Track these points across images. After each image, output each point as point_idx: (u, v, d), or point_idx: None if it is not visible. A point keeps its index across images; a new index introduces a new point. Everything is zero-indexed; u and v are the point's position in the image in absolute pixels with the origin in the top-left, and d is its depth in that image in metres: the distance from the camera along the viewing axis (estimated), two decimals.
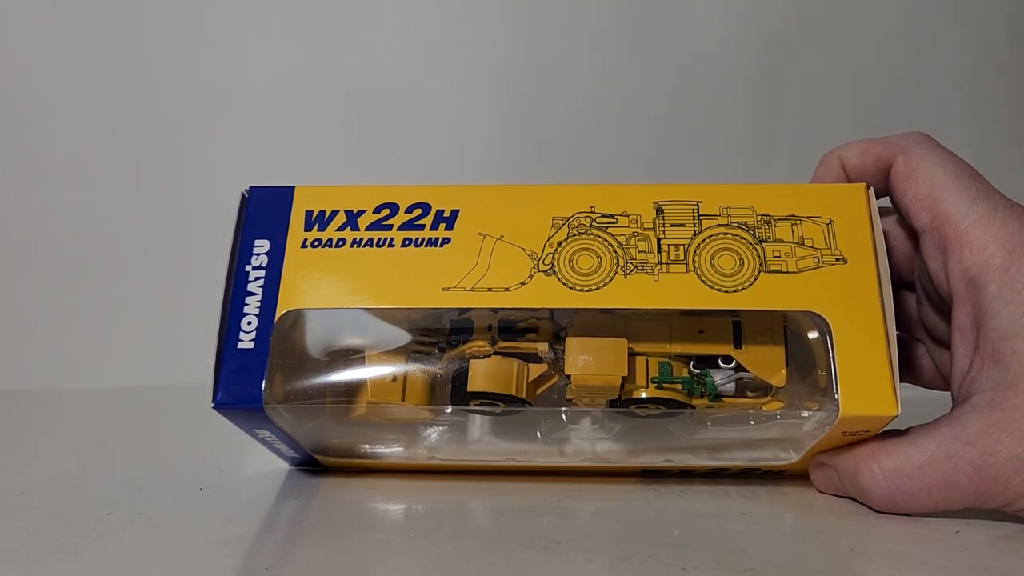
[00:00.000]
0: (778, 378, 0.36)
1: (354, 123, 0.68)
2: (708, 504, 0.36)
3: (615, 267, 0.33)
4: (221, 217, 0.67)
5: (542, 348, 0.36)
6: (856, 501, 0.35)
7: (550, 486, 0.38)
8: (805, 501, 0.36)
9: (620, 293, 0.33)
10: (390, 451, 0.39)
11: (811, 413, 0.35)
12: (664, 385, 0.35)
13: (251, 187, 0.37)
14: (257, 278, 0.35)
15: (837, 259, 0.33)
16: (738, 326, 0.36)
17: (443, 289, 0.33)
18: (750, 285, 0.33)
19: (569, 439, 0.38)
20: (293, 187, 0.36)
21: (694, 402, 0.36)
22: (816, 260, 0.33)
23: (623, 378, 0.35)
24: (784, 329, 0.36)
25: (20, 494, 0.38)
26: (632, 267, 0.33)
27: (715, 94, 0.69)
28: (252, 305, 0.34)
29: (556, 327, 0.36)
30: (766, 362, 0.36)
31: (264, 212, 0.36)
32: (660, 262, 0.33)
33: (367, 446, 0.39)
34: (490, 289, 0.33)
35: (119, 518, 0.34)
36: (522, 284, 0.33)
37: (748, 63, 0.69)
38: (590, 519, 0.34)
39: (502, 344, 0.36)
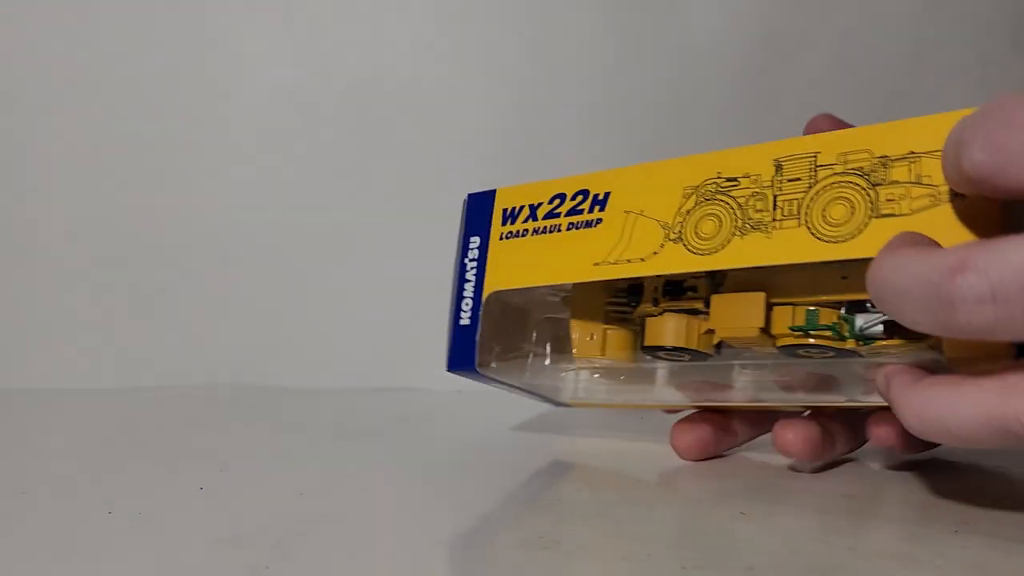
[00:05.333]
0: None
1: (355, 123, 0.68)
2: (708, 503, 0.36)
3: (733, 229, 0.34)
4: (222, 217, 0.67)
5: (700, 305, 0.39)
6: (854, 499, 0.35)
7: (548, 487, 0.38)
8: (805, 501, 0.36)
9: (736, 254, 0.34)
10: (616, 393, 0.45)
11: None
12: (810, 332, 0.36)
13: (469, 194, 0.43)
14: (472, 268, 0.41)
15: (956, 195, 0.31)
16: None
17: (594, 264, 0.37)
18: (859, 233, 0.32)
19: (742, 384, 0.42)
20: (495, 191, 0.42)
21: (848, 344, 0.36)
22: (933, 198, 0.31)
23: (761, 329, 0.36)
24: None
25: (20, 494, 0.38)
26: (748, 227, 0.34)
27: (715, 91, 0.69)
28: (468, 290, 0.41)
29: (713, 284, 0.39)
30: None
31: (476, 214, 0.42)
32: (774, 219, 0.33)
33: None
34: (629, 260, 0.36)
35: (119, 518, 0.34)
36: (655, 253, 0.36)
37: (748, 62, 0.69)
38: (589, 519, 0.34)
39: (664, 304, 0.39)
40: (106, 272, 0.67)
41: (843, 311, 0.36)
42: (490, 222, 0.41)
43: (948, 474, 0.41)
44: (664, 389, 0.43)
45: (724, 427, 0.42)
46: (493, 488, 0.39)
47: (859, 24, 0.69)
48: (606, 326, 0.42)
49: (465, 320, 0.41)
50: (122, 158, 0.67)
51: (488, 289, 0.41)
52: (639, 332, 0.41)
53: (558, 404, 0.47)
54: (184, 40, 0.67)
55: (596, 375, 0.45)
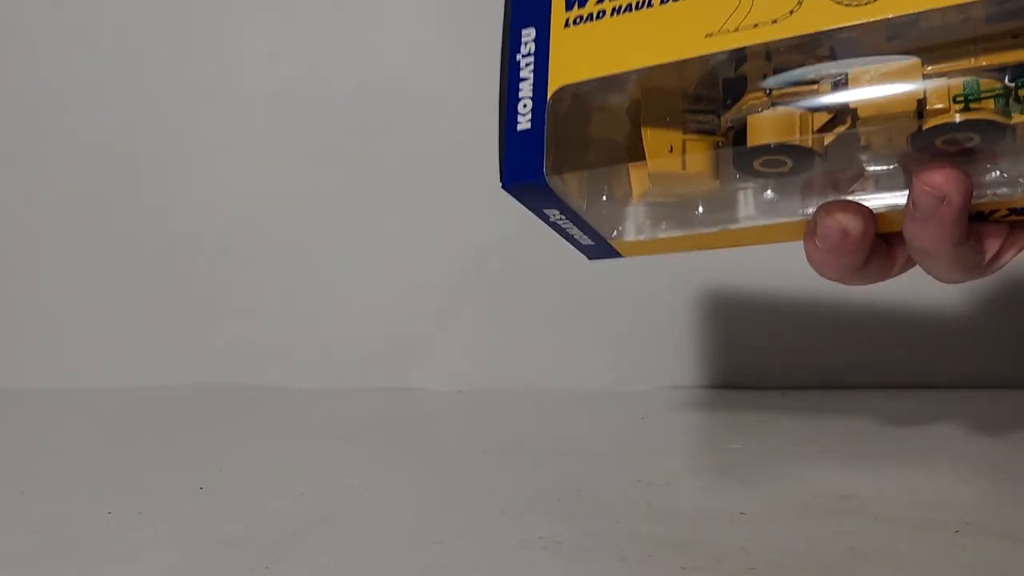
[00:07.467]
0: None
1: (355, 122, 0.68)
2: (707, 503, 0.36)
3: None
4: (221, 217, 0.67)
5: (824, 88, 0.32)
6: (854, 499, 0.35)
7: (548, 487, 0.38)
8: (805, 501, 0.36)
9: None
10: (691, 222, 0.37)
11: None
12: (971, 104, 0.29)
13: None
14: (527, 64, 0.35)
15: None
16: None
17: (706, 36, 0.30)
18: None
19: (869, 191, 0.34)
20: None
21: (1013, 120, 0.29)
22: None
23: (919, 102, 0.30)
24: None
25: (20, 494, 0.38)
26: None
27: None
28: (525, 90, 0.34)
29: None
30: None
31: (526, 1, 0.35)
32: None
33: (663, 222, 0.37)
34: (756, 25, 0.29)
35: (119, 518, 0.34)
36: (791, 12, 0.29)
37: None
38: (590, 518, 0.34)
39: (778, 93, 0.33)
40: (106, 272, 0.67)
41: (1007, 77, 0.29)
42: (549, 7, 0.35)
43: (949, 474, 0.41)
44: (754, 213, 0.36)
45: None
46: (492, 488, 0.38)
47: None
48: (685, 135, 0.35)
49: (524, 124, 0.34)
50: (121, 158, 0.67)
51: (555, 83, 0.33)
52: (723, 144, 0.34)
53: (605, 252, 0.39)
54: (184, 40, 0.67)
55: (665, 204, 0.37)
